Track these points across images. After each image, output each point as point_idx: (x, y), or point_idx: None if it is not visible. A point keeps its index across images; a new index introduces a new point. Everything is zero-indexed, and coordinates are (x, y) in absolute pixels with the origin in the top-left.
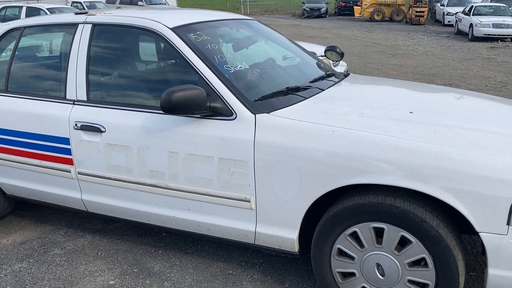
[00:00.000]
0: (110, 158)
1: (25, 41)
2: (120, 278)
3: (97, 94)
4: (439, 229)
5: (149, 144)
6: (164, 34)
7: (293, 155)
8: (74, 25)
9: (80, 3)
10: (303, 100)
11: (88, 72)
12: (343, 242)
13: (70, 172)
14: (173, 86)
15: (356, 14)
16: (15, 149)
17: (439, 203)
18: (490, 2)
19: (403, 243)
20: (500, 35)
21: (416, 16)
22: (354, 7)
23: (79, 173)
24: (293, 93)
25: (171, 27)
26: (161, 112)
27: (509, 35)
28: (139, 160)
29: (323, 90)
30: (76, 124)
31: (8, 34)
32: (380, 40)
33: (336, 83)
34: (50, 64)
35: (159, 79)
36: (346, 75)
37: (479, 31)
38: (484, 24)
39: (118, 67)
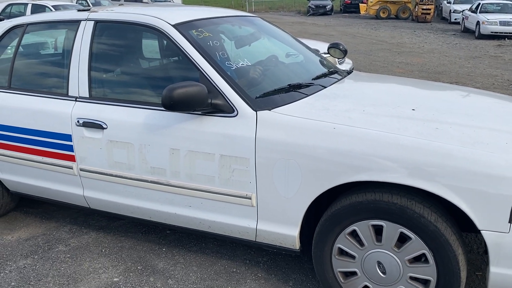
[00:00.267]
0: (112, 155)
1: (28, 38)
2: (124, 275)
3: (99, 91)
4: (437, 224)
5: (150, 141)
6: (166, 31)
7: (295, 152)
8: (77, 22)
9: (85, 0)
10: (305, 97)
11: (90, 69)
12: (343, 241)
13: (72, 168)
14: (174, 83)
15: (362, 12)
16: (17, 145)
17: (441, 200)
18: None
19: (402, 239)
20: (507, 32)
21: (422, 13)
22: (359, 4)
23: (81, 169)
24: (295, 90)
25: (172, 23)
26: (163, 109)
27: None
28: (140, 157)
29: (325, 87)
30: (78, 121)
31: (11, 31)
32: (386, 38)
33: (338, 80)
34: (52, 61)
35: (160, 76)
36: (349, 72)
37: (486, 28)
38: (491, 21)
39: (120, 64)
